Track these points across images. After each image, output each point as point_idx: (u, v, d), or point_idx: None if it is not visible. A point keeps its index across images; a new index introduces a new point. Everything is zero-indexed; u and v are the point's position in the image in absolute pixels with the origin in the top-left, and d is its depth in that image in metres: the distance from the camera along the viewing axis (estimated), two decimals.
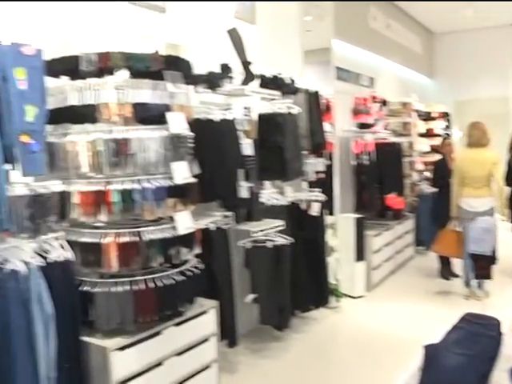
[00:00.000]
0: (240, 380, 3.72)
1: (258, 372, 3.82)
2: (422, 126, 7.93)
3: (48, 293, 2.55)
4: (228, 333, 3.70)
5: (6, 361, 2.41)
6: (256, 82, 4.05)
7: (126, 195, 2.78)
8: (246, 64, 3.87)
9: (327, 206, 4.97)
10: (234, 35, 3.84)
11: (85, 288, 2.85)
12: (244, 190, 3.73)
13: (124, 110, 2.76)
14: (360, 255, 5.57)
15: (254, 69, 3.98)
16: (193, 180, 3.02)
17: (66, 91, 2.81)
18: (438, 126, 8.18)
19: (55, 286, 2.60)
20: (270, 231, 3.97)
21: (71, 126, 2.86)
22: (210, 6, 4.14)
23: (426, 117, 8.11)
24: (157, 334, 3.00)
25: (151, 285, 2.90)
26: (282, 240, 4.01)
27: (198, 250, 3.15)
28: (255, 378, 3.75)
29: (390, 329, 4.62)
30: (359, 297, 5.54)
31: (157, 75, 2.87)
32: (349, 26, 6.50)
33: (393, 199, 6.28)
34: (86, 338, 2.81)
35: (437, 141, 7.81)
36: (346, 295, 5.37)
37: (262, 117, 4.10)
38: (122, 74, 2.85)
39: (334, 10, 5.76)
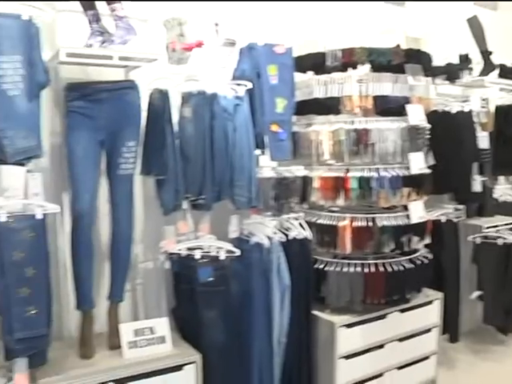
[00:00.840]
0: (456, 377, 3.65)
1: (477, 372, 3.71)
2: None
3: (286, 266, 2.86)
4: (450, 327, 3.67)
5: (246, 321, 2.76)
6: (495, 73, 3.90)
7: (364, 182, 2.95)
8: (485, 54, 3.76)
9: None
10: (474, 24, 3.75)
11: (319, 266, 3.09)
12: (477, 183, 3.65)
13: (365, 102, 2.93)
14: None
15: (494, 58, 3.83)
16: (427, 171, 3.07)
17: (312, 85, 3.07)
18: None
19: (293, 260, 2.89)
20: (501, 228, 3.82)
21: (315, 117, 3.12)
22: None
23: None
24: (382, 317, 3.13)
25: (381, 269, 3.03)
26: None
27: (428, 240, 3.20)
28: (473, 378, 3.65)
29: None
30: None
31: (397, 68, 2.97)
32: None
33: None
34: (315, 312, 3.06)
35: None
36: None
37: (499, 109, 3.94)
38: (364, 68, 3.02)
39: None
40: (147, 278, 2.87)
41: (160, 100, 2.46)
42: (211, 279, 2.56)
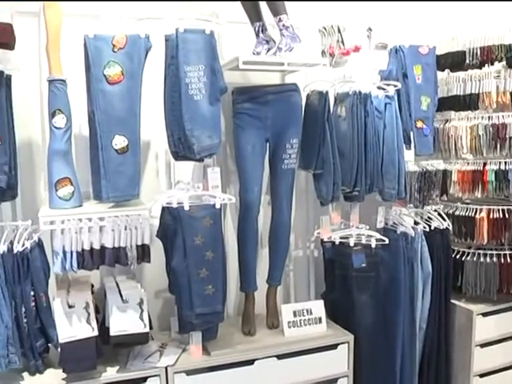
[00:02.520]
0: None
1: None
2: None
3: (428, 255, 3.01)
4: None
5: (392, 306, 2.92)
6: None
7: (501, 175, 3.05)
8: None
9: None
10: None
11: (456, 256, 3.22)
12: None
13: (503, 97, 3.03)
14: None
15: None
16: None
17: (451, 82, 3.22)
18: None
19: (434, 250, 3.04)
20: None
21: (454, 113, 3.26)
22: None
23: None
24: None
25: None
26: None
27: None
28: None
29: None
30: None
31: None
32: None
33: None
34: (453, 301, 3.18)
35: None
36: None
37: None
38: (502, 65, 3.11)
39: None
40: (298, 265, 3.14)
41: (319, 100, 2.68)
42: (364, 265, 2.77)
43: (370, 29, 2.83)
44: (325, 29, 2.81)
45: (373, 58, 2.87)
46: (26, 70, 2.46)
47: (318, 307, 2.80)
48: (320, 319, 2.79)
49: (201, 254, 2.42)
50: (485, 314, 3.11)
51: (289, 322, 2.74)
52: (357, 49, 2.72)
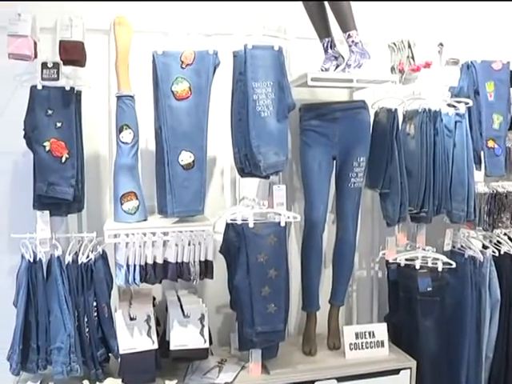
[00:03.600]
0: None
1: None
2: None
3: (497, 281, 2.88)
4: None
5: (458, 333, 2.82)
6: None
7: None
8: None
9: None
10: None
11: None
12: None
13: None
14: None
15: None
16: None
17: None
18: None
19: (503, 275, 2.91)
20: None
21: None
22: None
23: None
24: None
25: None
26: None
27: None
28: None
29: None
30: None
31: None
32: None
33: None
34: None
35: None
36: None
37: None
38: None
39: None
40: (361, 285, 3.07)
41: (387, 118, 2.62)
42: (429, 289, 2.67)
43: (441, 44, 2.75)
44: (394, 44, 2.75)
45: (443, 74, 2.77)
46: (95, 86, 2.52)
47: (381, 330, 2.73)
48: (382, 342, 2.71)
49: (264, 271, 2.41)
50: None
51: (350, 344, 2.68)
52: (427, 65, 2.64)
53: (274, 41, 2.41)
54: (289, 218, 2.46)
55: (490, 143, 2.87)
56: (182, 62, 2.28)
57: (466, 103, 2.73)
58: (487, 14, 3.23)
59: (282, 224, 2.43)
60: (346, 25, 2.51)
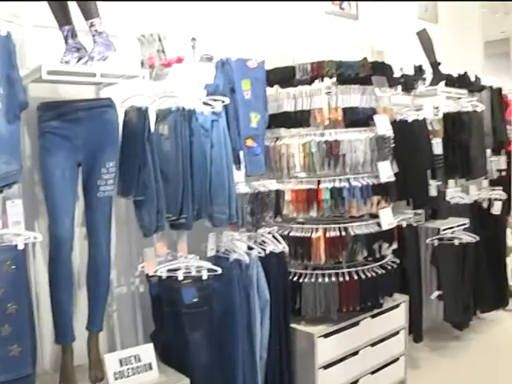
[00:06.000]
0: (422, 376, 3.74)
1: (439, 369, 3.84)
2: None
3: (265, 281, 2.84)
4: (414, 328, 3.77)
5: (229, 340, 2.71)
6: (443, 82, 4.08)
7: (336, 193, 2.98)
8: (435, 64, 3.92)
9: (506, 204, 4.83)
10: (423, 37, 3.92)
11: (294, 278, 3.09)
12: (433, 188, 3.80)
13: (335, 114, 2.97)
14: None
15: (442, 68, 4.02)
16: (393, 179, 3.16)
17: (281, 99, 3.09)
18: None
19: (271, 275, 2.88)
20: (456, 229, 3.99)
21: (285, 130, 3.13)
22: (395, 9, 4.25)
23: None
24: (355, 324, 3.17)
25: (355, 277, 3.08)
26: (468, 238, 4.00)
27: (395, 246, 3.28)
28: (436, 374, 3.77)
29: None
30: None
31: (362, 80, 3.04)
32: None
33: None
34: (293, 325, 3.05)
35: None
36: None
37: (447, 116, 4.11)
38: (331, 81, 3.06)
39: None
40: (122, 304, 2.76)
41: (138, 118, 2.37)
42: (195, 300, 2.50)
43: (194, 39, 2.59)
44: (144, 37, 2.51)
45: (197, 71, 2.62)
46: None
47: (148, 352, 2.47)
48: (150, 365, 2.45)
49: (1, 307, 2.03)
50: (326, 336, 3.03)
51: (115, 373, 2.37)
52: (179, 60, 2.45)
53: (4, 25, 2.01)
54: (28, 238, 2.10)
55: (249, 142, 2.81)
56: None
57: (223, 101, 2.61)
58: (240, 10, 3.19)
59: (20, 247, 2.07)
60: (88, 11, 2.23)
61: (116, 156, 2.37)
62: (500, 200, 4.58)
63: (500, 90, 4.71)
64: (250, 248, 2.84)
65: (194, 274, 2.54)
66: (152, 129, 2.45)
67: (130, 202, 2.53)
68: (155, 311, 2.61)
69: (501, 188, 4.69)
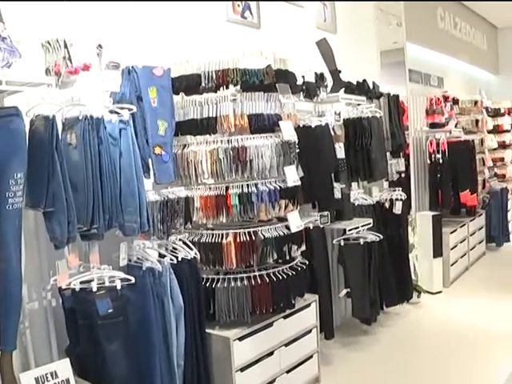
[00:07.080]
0: (335, 371, 3.90)
1: (350, 363, 4.02)
2: (490, 123, 7.96)
3: (178, 288, 2.85)
4: (325, 326, 3.92)
5: (145, 348, 2.70)
6: (342, 89, 4.28)
7: (244, 198, 3.06)
8: (335, 72, 4.11)
9: (406, 204, 5.14)
10: (322, 46, 4.10)
11: (207, 284, 3.14)
12: (337, 191, 3.97)
13: (241, 120, 3.05)
14: (437, 252, 5.68)
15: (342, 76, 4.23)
16: (299, 182, 3.28)
17: (187, 106, 3.14)
18: (506, 121, 8.21)
19: (184, 281, 2.90)
20: (361, 229, 4.19)
21: (192, 138, 3.17)
22: (295, 18, 4.42)
23: (494, 113, 8.13)
24: (269, 325, 3.26)
25: (266, 279, 3.17)
26: (372, 237, 4.22)
27: (303, 247, 3.40)
28: (347, 368, 3.95)
29: (471, 323, 4.74)
30: (438, 292, 5.64)
31: (267, 87, 3.14)
32: (419, 27, 6.63)
33: (467, 196, 6.37)
34: (208, 330, 3.09)
35: (506, 137, 7.86)
36: (426, 291, 5.52)
37: (347, 121, 4.32)
38: (235, 88, 3.13)
39: (405, 12, 5.95)
40: (34, 320, 2.67)
41: (45, 127, 2.30)
42: (110, 311, 2.47)
43: (100, 46, 2.56)
44: (49, 43, 2.45)
45: (104, 79, 2.59)
46: None
47: (64, 367, 2.40)
48: (68, 380, 2.39)
49: None
50: (241, 338, 3.09)
51: None
52: (86, 67, 2.41)
53: None
54: None
55: (157, 150, 2.82)
56: None
57: (130, 109, 2.59)
58: (146, 17, 3.20)
59: None
60: None
61: (24, 167, 2.27)
62: (401, 200, 4.86)
63: (397, 96, 5.02)
64: (161, 256, 2.85)
65: (107, 284, 2.51)
66: (60, 138, 2.39)
67: (38, 214, 2.46)
68: (69, 325, 2.54)
69: (401, 189, 4.97)
